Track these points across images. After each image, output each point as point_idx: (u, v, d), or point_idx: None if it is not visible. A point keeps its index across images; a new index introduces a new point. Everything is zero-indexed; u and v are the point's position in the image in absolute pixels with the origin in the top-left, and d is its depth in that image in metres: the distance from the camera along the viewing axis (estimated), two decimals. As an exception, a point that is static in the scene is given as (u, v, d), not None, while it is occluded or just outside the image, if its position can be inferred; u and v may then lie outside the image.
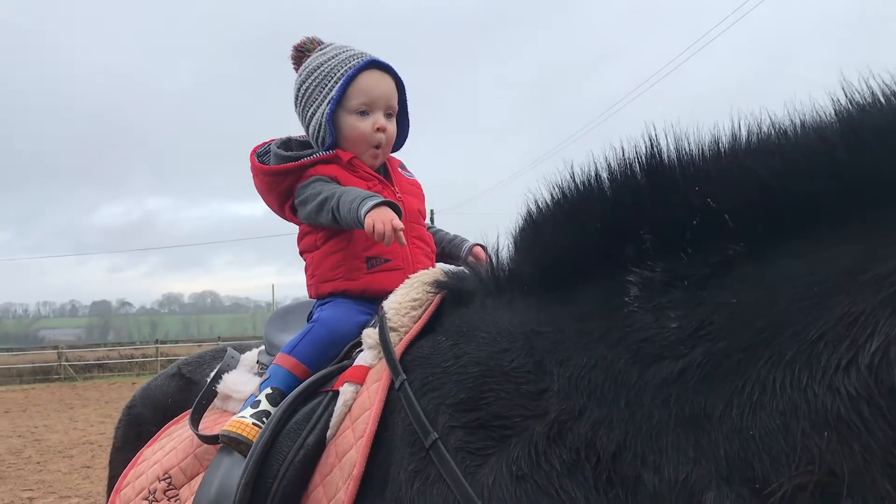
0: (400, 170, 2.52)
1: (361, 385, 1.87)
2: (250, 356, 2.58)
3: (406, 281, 2.08)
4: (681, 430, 1.22)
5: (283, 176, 2.35)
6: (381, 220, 2.03)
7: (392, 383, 1.77)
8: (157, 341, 37.33)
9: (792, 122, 1.31)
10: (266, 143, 2.51)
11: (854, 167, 1.16)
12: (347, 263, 2.27)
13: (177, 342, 38.19)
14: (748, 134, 1.35)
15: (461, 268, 2.09)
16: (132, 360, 33.30)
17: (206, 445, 2.18)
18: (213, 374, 2.51)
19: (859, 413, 1.03)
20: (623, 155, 1.48)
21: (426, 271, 2.12)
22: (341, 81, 2.31)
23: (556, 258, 1.60)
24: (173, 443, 2.38)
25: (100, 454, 11.81)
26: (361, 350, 1.99)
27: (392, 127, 2.39)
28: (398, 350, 1.84)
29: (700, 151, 1.39)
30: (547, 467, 1.36)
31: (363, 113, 2.34)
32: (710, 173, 1.35)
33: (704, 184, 1.33)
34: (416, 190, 2.49)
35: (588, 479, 1.30)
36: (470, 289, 1.90)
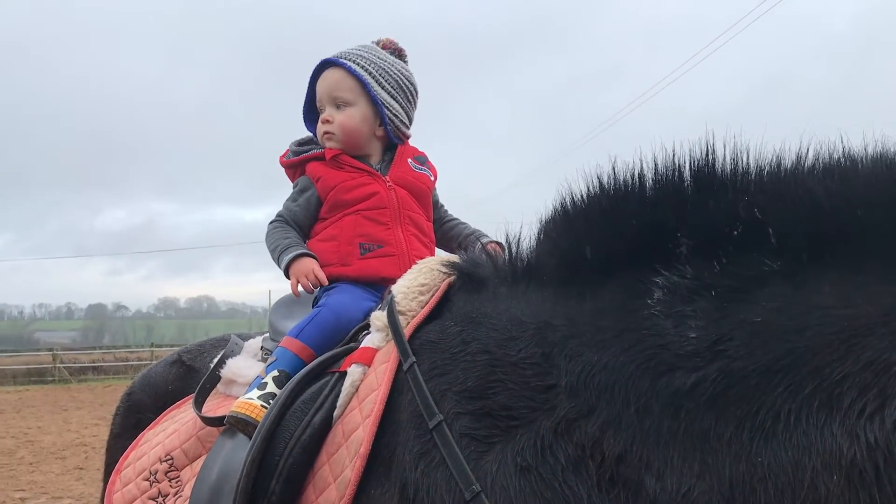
0: (411, 160, 2.56)
1: (369, 366, 1.87)
2: (254, 343, 2.60)
3: (414, 266, 2.10)
4: (688, 444, 1.19)
5: (291, 169, 2.59)
6: (304, 273, 2.28)
7: (400, 365, 1.77)
8: (152, 345, 37.28)
9: (864, 149, 1.26)
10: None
11: None
12: (341, 249, 2.35)
13: (172, 346, 38.13)
14: (814, 155, 1.30)
15: (477, 254, 2.08)
16: (127, 363, 33.23)
17: (208, 428, 2.19)
18: (217, 359, 2.52)
19: (875, 463, 1.01)
20: (672, 156, 1.44)
21: (435, 256, 2.14)
22: (307, 89, 2.55)
23: (583, 251, 1.55)
24: (175, 425, 2.38)
25: (93, 456, 11.75)
26: (368, 333, 2.00)
27: (340, 116, 2.46)
28: (406, 333, 1.84)
29: (757, 163, 1.35)
30: (552, 461, 1.35)
31: (322, 112, 2.50)
32: (763, 185, 1.31)
33: (754, 194, 1.29)
34: (418, 182, 2.52)
35: (591, 476, 1.29)
36: (483, 275, 1.88)
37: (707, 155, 1.39)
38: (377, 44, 2.59)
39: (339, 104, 2.46)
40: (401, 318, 1.89)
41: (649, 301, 1.34)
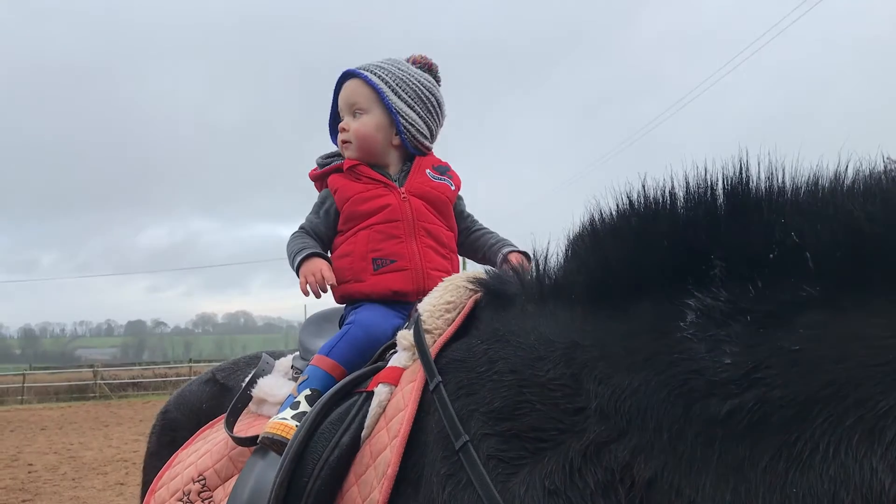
0: (429, 171, 2.54)
1: (396, 386, 1.86)
2: (285, 362, 2.61)
3: (441, 283, 2.09)
4: (721, 472, 1.16)
5: (318, 181, 2.63)
6: (312, 272, 2.30)
7: (426, 384, 1.76)
8: (190, 360, 37.81)
9: None
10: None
11: None
12: (355, 266, 2.35)
13: (210, 362, 38.63)
14: (854, 174, 1.25)
15: (504, 270, 2.06)
16: (166, 378, 33.74)
17: (240, 448, 2.19)
18: (248, 379, 2.53)
19: None
20: (705, 174, 1.40)
21: (462, 273, 2.11)
22: (333, 99, 2.58)
23: (613, 270, 1.51)
24: (208, 445, 2.39)
25: (133, 471, 11.92)
26: (395, 352, 2.00)
27: (356, 123, 2.50)
28: (432, 352, 1.83)
29: (793, 182, 1.31)
30: (581, 485, 1.33)
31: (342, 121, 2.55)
32: (800, 206, 1.26)
33: (791, 216, 1.25)
34: (436, 192, 2.49)
35: (621, 501, 1.27)
36: (510, 292, 1.85)
37: (741, 173, 1.36)
38: (408, 59, 2.62)
39: (354, 112, 2.50)
40: (427, 336, 1.88)
41: (682, 324, 1.31)
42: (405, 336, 1.96)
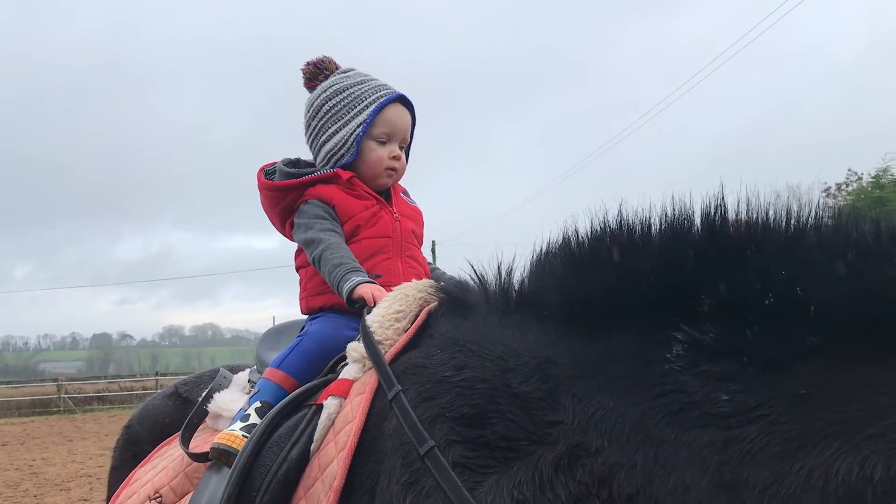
0: (402, 195, 2.61)
1: (345, 398, 1.86)
2: (242, 376, 2.60)
3: (389, 293, 2.05)
4: (714, 492, 1.16)
5: (284, 192, 2.47)
6: (373, 292, 2.09)
7: (377, 395, 1.76)
8: (157, 373, 37.27)
9: None
10: (274, 162, 2.61)
11: None
12: None
13: (177, 374, 38.10)
14: (852, 217, 1.26)
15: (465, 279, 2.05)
16: (132, 392, 33.20)
17: (196, 464, 2.17)
18: (204, 394, 2.51)
19: None
20: (706, 210, 1.39)
21: (410, 283, 2.10)
22: (372, 108, 2.44)
23: (593, 295, 1.50)
24: (165, 462, 2.37)
25: (98, 487, 11.73)
26: (346, 364, 1.98)
27: (404, 157, 2.54)
28: (387, 360, 1.81)
29: (786, 221, 1.31)
30: (551, 496, 1.33)
31: (382, 141, 2.47)
32: (792, 248, 1.26)
33: (789, 263, 1.24)
34: (415, 215, 2.58)
35: None
36: (471, 302, 1.85)
37: (731, 210, 1.36)
38: (317, 65, 2.59)
39: (402, 146, 2.53)
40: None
41: (668, 356, 1.31)
42: (355, 348, 1.94)
